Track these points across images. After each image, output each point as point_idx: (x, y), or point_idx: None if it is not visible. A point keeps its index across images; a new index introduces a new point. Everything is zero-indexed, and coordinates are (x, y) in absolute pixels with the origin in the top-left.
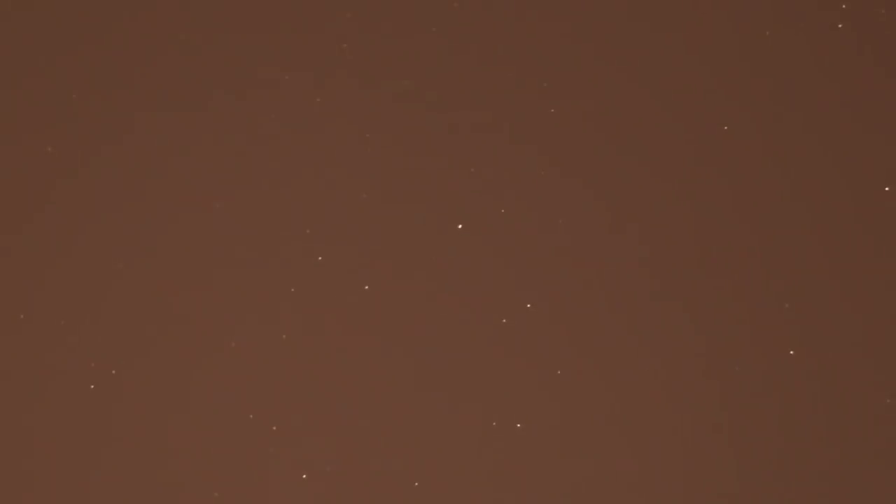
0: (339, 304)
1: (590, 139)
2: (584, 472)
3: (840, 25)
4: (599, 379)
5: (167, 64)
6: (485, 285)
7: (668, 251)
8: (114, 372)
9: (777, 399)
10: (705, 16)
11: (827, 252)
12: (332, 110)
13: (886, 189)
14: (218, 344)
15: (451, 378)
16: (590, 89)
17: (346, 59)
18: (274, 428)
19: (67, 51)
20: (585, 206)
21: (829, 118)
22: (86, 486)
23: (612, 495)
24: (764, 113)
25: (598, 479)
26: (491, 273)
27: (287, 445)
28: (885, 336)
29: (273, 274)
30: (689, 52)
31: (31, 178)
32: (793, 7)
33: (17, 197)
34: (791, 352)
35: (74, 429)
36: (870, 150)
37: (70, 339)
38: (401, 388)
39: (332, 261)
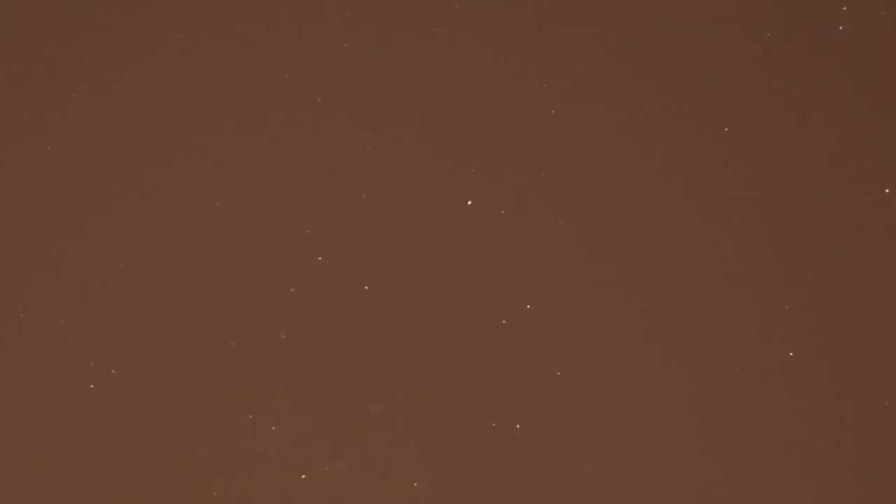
0: (339, 304)
1: (590, 140)
2: (583, 473)
3: (841, 27)
4: (599, 380)
5: (166, 64)
6: (485, 285)
7: (669, 252)
8: (114, 372)
9: (777, 400)
10: (705, 17)
11: (827, 253)
12: (332, 110)
13: (887, 191)
14: (218, 344)
15: (450, 378)
16: (590, 90)
17: (346, 59)
18: (274, 428)
19: (67, 51)
20: (585, 206)
21: (829, 119)
22: (86, 486)
23: (612, 496)
24: (764, 114)
25: (598, 479)
26: (491, 273)
27: (287, 445)
28: (885, 337)
29: (273, 274)
30: (689, 53)
31: (32, 178)
32: (793, 8)
33: (18, 197)
34: (791, 353)
35: (74, 428)
36: (870, 152)
37: (70, 339)
38: (400, 389)
39: (332, 261)
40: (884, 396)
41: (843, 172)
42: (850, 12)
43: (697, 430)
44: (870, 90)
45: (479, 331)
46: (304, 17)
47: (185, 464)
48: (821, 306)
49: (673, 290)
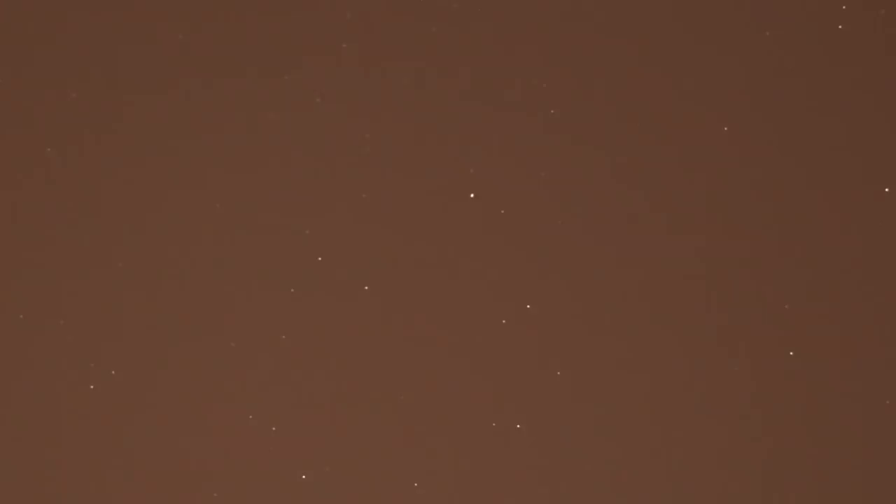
0: (339, 304)
1: (589, 140)
2: (584, 473)
3: (840, 26)
4: (599, 379)
5: (166, 64)
6: (485, 285)
7: (668, 251)
8: (114, 372)
9: (777, 400)
10: (705, 16)
11: (827, 253)
12: (332, 110)
13: (886, 190)
14: (218, 344)
15: (450, 378)
16: (590, 90)
17: (345, 59)
18: (274, 428)
19: (67, 50)
20: (585, 206)
21: (828, 119)
22: (85, 486)
23: (612, 496)
24: (764, 114)
25: (598, 479)
26: (491, 273)
27: (287, 445)
28: (885, 336)
29: (273, 274)
30: (688, 53)
31: (31, 178)
32: (793, 7)
33: (17, 197)
34: (791, 353)
35: (74, 429)
36: (870, 151)
37: (70, 339)
38: (401, 389)
39: (332, 261)
40: (884, 396)
41: (843, 172)
42: (850, 12)
43: (697, 430)
44: (869, 89)
45: (479, 331)
46: (303, 18)
47: (186, 464)
48: (821, 306)
49: (673, 290)
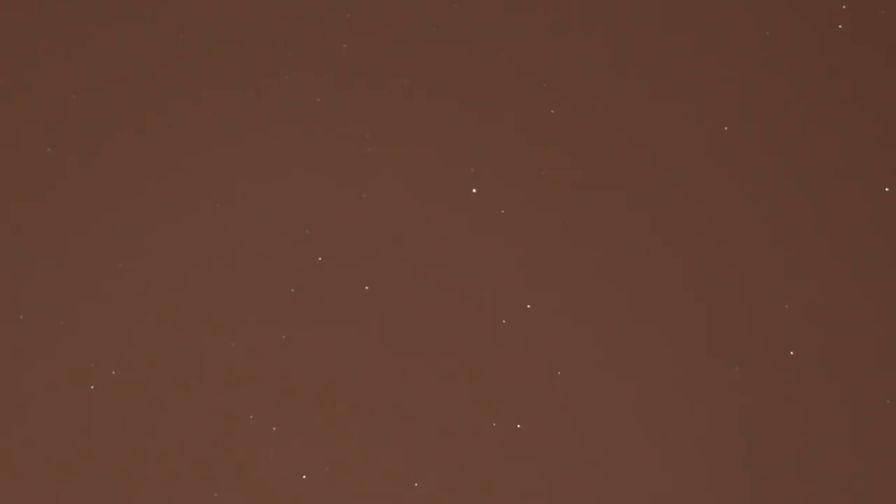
0: (339, 304)
1: (589, 140)
2: (584, 473)
3: (840, 26)
4: (599, 379)
5: (166, 64)
6: (485, 285)
7: (669, 252)
8: (114, 372)
9: (777, 400)
10: (705, 16)
11: (827, 252)
12: (331, 110)
13: (886, 189)
14: (218, 344)
15: (450, 378)
16: (589, 90)
17: (346, 59)
18: (274, 428)
19: (67, 51)
20: (585, 206)
21: (829, 118)
22: (86, 486)
23: (612, 496)
24: (764, 113)
25: (598, 479)
26: (491, 273)
27: (287, 445)
28: (885, 336)
29: (273, 274)
30: (688, 53)
31: (31, 178)
32: (793, 7)
33: (17, 197)
34: (791, 352)
35: (74, 429)
36: (870, 151)
37: (70, 339)
38: (401, 389)
39: (332, 261)
40: (884, 396)
41: (843, 172)
42: (850, 12)
43: (698, 430)
44: (869, 89)
45: (479, 331)
46: (304, 17)
47: (186, 464)
48: (821, 306)
49: (673, 290)
